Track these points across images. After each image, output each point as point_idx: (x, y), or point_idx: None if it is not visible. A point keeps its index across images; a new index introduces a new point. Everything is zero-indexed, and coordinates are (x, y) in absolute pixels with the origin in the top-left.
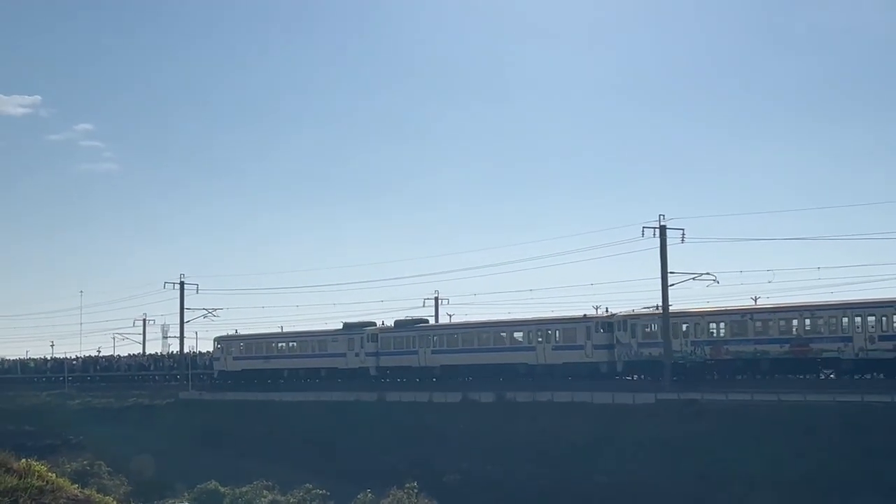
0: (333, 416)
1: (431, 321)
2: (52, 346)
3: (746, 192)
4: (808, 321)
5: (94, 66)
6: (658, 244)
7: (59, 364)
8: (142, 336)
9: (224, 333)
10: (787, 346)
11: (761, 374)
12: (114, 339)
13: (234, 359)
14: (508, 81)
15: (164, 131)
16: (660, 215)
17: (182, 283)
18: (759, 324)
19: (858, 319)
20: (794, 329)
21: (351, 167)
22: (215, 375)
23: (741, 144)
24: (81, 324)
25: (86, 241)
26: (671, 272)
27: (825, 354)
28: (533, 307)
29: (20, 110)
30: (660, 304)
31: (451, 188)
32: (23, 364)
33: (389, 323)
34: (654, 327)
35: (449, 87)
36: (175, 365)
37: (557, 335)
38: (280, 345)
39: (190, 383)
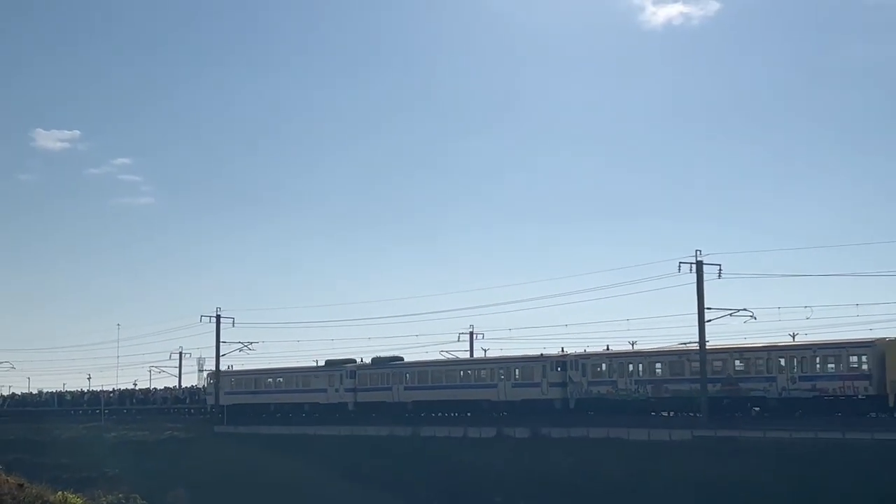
0: (368, 451)
1: (465, 356)
2: (88, 378)
3: (784, 228)
4: (737, 362)
5: (132, 100)
6: (695, 279)
7: (95, 397)
8: (178, 369)
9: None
10: (719, 386)
11: (696, 412)
12: (150, 371)
13: (226, 394)
14: (542, 113)
15: (201, 165)
16: (696, 250)
17: (218, 317)
18: (695, 364)
19: (781, 361)
20: (725, 370)
21: (386, 201)
22: (208, 409)
23: (779, 179)
24: (118, 356)
25: (123, 275)
26: (708, 308)
27: (752, 393)
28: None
29: (59, 145)
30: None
31: (485, 221)
32: (60, 396)
33: (426, 356)
34: (604, 367)
35: (481, 119)
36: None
37: (517, 373)
38: (268, 380)
39: (225, 417)
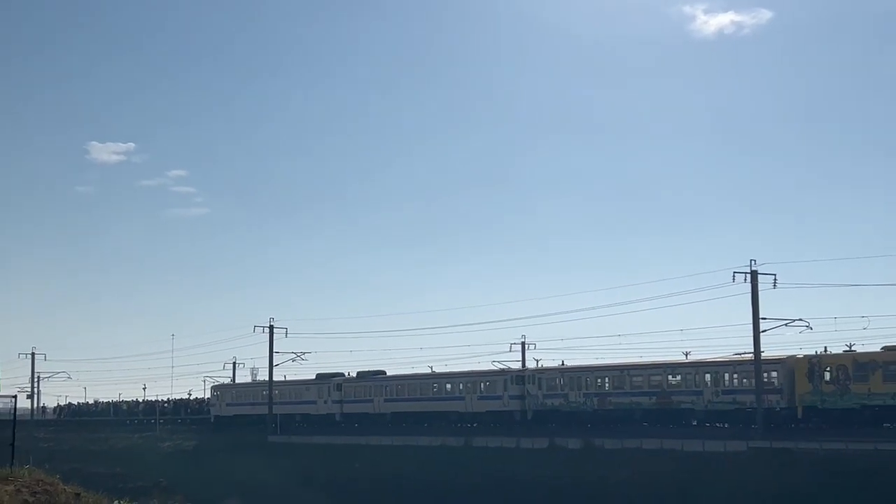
0: (420, 461)
1: (514, 366)
2: (143, 388)
3: (840, 238)
4: (670, 377)
5: (186, 112)
6: (749, 289)
7: (150, 406)
8: (232, 379)
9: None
10: (654, 399)
11: (635, 423)
12: (204, 381)
13: (227, 405)
14: (594, 124)
15: (255, 176)
16: (751, 260)
17: (271, 327)
18: (634, 379)
19: (707, 376)
20: (660, 384)
21: (440, 212)
22: (212, 420)
23: (834, 188)
24: (173, 367)
25: (177, 285)
26: (763, 318)
27: (682, 406)
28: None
29: (115, 157)
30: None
31: (538, 231)
32: (115, 406)
33: (478, 367)
34: (557, 381)
35: (534, 131)
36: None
37: (482, 387)
38: (264, 392)
39: (278, 426)
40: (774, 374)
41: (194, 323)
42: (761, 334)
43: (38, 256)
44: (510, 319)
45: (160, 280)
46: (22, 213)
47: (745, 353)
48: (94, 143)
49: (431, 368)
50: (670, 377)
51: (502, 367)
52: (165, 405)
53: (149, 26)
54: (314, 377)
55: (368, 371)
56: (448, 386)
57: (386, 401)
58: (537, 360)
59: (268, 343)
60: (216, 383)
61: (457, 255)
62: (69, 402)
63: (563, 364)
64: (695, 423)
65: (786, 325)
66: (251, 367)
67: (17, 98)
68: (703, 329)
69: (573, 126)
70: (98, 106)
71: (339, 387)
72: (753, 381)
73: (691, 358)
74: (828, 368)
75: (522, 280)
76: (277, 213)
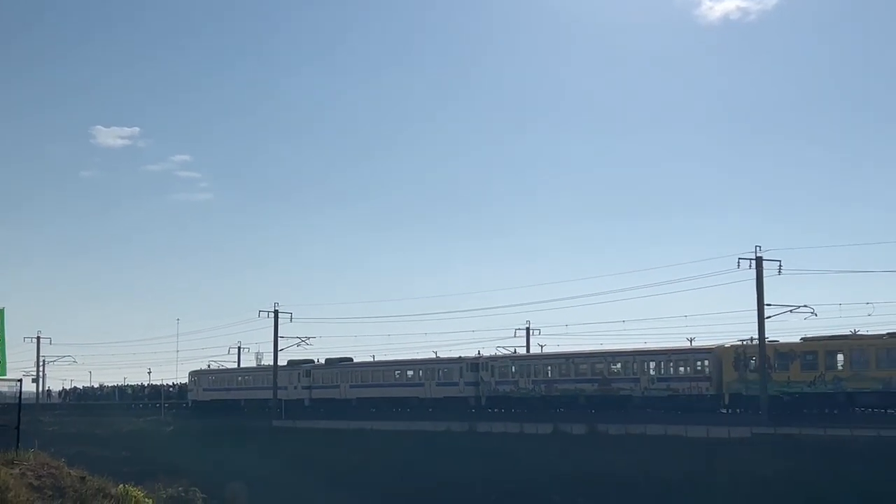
0: (425, 446)
1: (522, 351)
2: (149, 372)
3: (845, 224)
4: (611, 365)
5: (192, 97)
6: (754, 276)
7: (155, 391)
8: (236, 364)
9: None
10: (596, 386)
11: (579, 408)
12: (209, 366)
13: (204, 390)
14: (598, 108)
15: (259, 161)
16: (756, 246)
17: (276, 312)
18: (578, 367)
19: (644, 365)
20: (601, 372)
21: (444, 196)
22: (189, 405)
23: (840, 175)
24: (178, 351)
25: (182, 270)
26: (767, 304)
27: (621, 392)
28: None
29: (119, 142)
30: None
31: (542, 216)
32: (121, 391)
33: (484, 352)
34: (509, 368)
35: (536, 112)
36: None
37: (440, 374)
38: (239, 378)
39: (283, 411)
40: (705, 362)
41: (199, 307)
42: (766, 321)
43: (44, 241)
44: (515, 305)
45: (165, 265)
46: (27, 198)
47: (749, 339)
48: (98, 127)
49: (436, 354)
50: (612, 365)
51: (507, 352)
52: (171, 389)
53: (154, 10)
54: (286, 363)
55: (336, 358)
56: (409, 373)
57: (352, 387)
58: (541, 346)
59: (272, 328)
60: (194, 369)
61: (463, 239)
62: (74, 386)
63: (514, 351)
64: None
65: (790, 311)
66: (256, 351)
67: (21, 82)
68: (708, 315)
69: (575, 110)
70: (103, 90)
71: (308, 373)
72: (686, 369)
73: (696, 344)
74: (752, 358)
75: (528, 265)
76: (282, 197)
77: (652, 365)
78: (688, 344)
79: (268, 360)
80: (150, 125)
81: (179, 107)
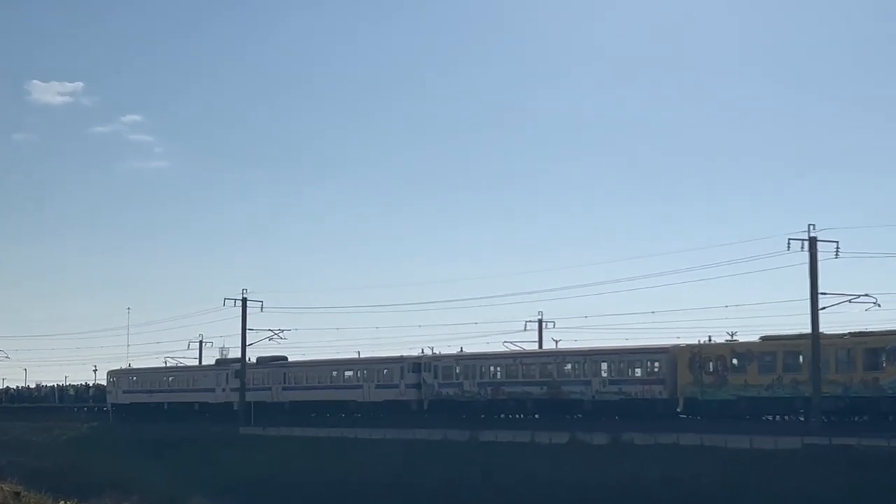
0: (418, 458)
1: (535, 346)
2: (94, 370)
3: None
4: (560, 367)
5: (143, 47)
6: (807, 259)
7: (102, 391)
8: (198, 360)
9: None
10: (545, 389)
11: (527, 413)
12: (165, 363)
13: (124, 392)
14: (631, 66)
15: (225, 123)
16: (809, 225)
17: (244, 300)
18: (525, 368)
19: (595, 366)
20: (550, 373)
21: (443, 167)
22: (107, 409)
23: None
24: (128, 345)
25: (134, 251)
26: (822, 293)
27: (572, 396)
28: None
29: (59, 99)
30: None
31: (558, 191)
32: (61, 391)
33: (488, 348)
34: (453, 369)
35: (552, 73)
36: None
37: (379, 375)
38: (161, 379)
39: (252, 416)
40: (658, 363)
41: (154, 295)
42: (820, 312)
43: None
44: (525, 293)
45: (114, 245)
46: None
47: (801, 333)
48: (35, 82)
49: (433, 350)
50: (561, 366)
51: (516, 348)
52: (89, 391)
53: None
54: (213, 363)
55: (268, 356)
56: (347, 373)
57: (284, 389)
58: (556, 341)
59: (240, 319)
60: (113, 369)
61: (462, 216)
62: (7, 387)
63: (461, 350)
64: (579, 416)
65: (849, 301)
66: (220, 346)
67: None
68: (752, 306)
69: (600, 66)
70: (40, 38)
71: (237, 374)
72: (639, 371)
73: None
74: (710, 360)
75: (540, 247)
76: (252, 166)
77: (604, 366)
78: (706, 339)
79: (235, 356)
80: (96, 80)
81: (130, 58)
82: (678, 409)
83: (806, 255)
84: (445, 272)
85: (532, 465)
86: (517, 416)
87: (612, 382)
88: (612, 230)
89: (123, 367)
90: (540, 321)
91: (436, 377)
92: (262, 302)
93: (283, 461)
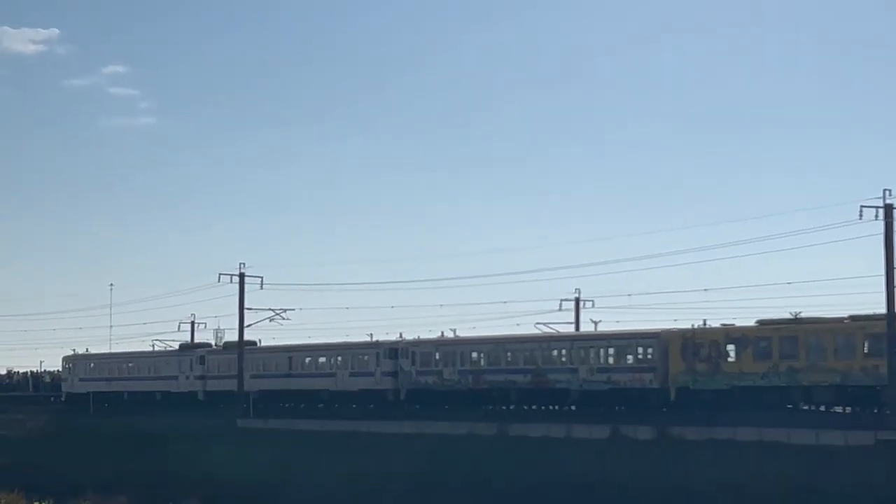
0: (439, 454)
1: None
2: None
3: None
4: (545, 353)
5: None
6: (882, 228)
7: None
8: (189, 341)
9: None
10: (529, 377)
11: (511, 404)
12: (153, 346)
13: (80, 380)
14: (688, 22)
15: (219, 75)
16: (885, 190)
17: (242, 276)
18: (509, 354)
19: (582, 352)
20: (535, 360)
21: (466, 129)
22: (63, 398)
23: None
24: (111, 326)
25: (117, 220)
26: None
27: (558, 385)
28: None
29: (32, 48)
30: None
31: (596, 153)
32: (36, 378)
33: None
34: (432, 355)
35: (611, 26)
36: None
37: (353, 362)
38: (121, 366)
39: (251, 407)
40: (648, 350)
41: (141, 270)
42: None
43: None
44: (559, 268)
45: (94, 213)
46: None
47: (873, 313)
48: (5, 28)
49: (454, 332)
50: (547, 353)
51: (550, 331)
52: (41, 379)
53: None
54: (177, 348)
55: (233, 342)
56: (321, 360)
57: (252, 377)
58: (595, 322)
59: (237, 297)
60: (69, 354)
61: (490, 182)
62: None
63: (443, 334)
64: (572, 407)
65: None
66: (215, 327)
67: None
68: (819, 282)
69: (653, 22)
70: None
71: (202, 360)
72: (630, 358)
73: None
74: (702, 344)
75: (576, 218)
76: (250, 124)
77: (592, 353)
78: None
79: (231, 338)
80: (73, 26)
81: (110, 3)
82: (671, 399)
83: (880, 224)
84: (470, 245)
85: (567, 463)
86: (502, 407)
87: (600, 370)
88: (660, 198)
89: (106, 351)
90: (577, 300)
91: (413, 364)
92: (261, 278)
93: (286, 460)
